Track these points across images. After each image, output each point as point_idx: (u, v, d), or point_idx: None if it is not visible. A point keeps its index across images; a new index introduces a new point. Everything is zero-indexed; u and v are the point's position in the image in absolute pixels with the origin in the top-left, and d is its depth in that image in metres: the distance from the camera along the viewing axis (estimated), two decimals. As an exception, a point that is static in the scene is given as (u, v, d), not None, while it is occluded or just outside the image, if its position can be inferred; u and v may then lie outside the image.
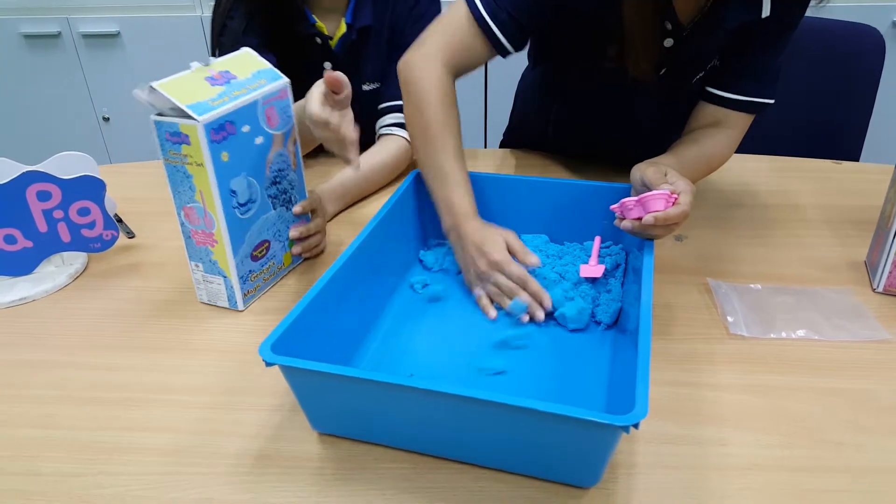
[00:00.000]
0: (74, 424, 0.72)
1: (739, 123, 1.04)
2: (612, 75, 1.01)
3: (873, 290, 0.90)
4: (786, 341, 0.81)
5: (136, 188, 1.18)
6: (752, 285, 0.91)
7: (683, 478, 0.63)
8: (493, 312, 0.85)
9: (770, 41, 0.99)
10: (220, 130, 0.78)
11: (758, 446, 0.67)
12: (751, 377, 0.76)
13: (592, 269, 0.86)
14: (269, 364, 0.60)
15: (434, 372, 0.76)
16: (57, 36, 2.31)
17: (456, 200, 0.89)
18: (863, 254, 0.98)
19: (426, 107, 0.93)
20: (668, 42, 0.99)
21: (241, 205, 0.84)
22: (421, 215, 0.98)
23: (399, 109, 1.22)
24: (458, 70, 0.97)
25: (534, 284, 0.84)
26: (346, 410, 0.65)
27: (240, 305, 0.88)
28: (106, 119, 2.45)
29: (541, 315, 0.83)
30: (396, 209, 0.91)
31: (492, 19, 0.93)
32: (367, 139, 1.23)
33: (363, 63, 1.23)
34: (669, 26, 0.97)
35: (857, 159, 1.49)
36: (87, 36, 2.31)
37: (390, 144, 1.20)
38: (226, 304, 0.89)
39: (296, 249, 0.97)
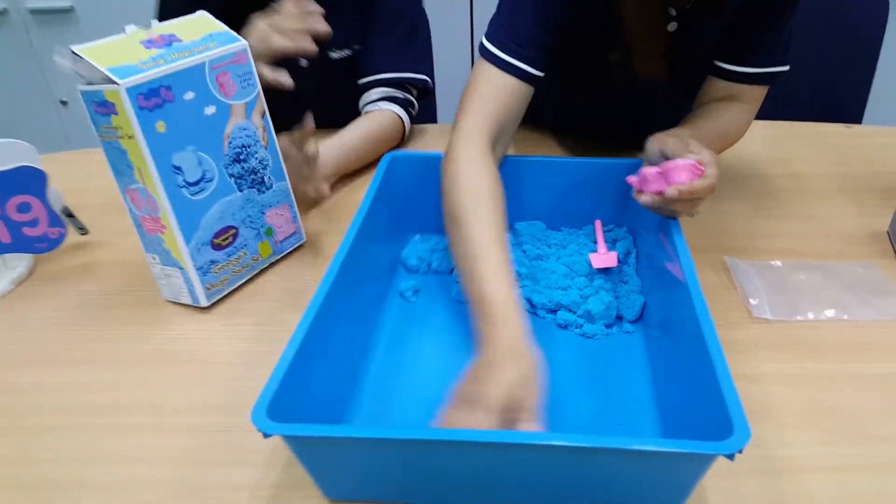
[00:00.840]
0: (16, 458, 0.62)
1: (755, 96, 0.94)
2: (619, 74, 0.92)
3: (901, 262, 0.83)
4: (813, 323, 0.74)
5: (92, 177, 1.06)
6: (772, 262, 0.83)
7: (720, 486, 0.56)
8: None
9: (780, 8, 0.90)
10: (152, 96, 0.68)
11: (797, 445, 0.60)
12: (781, 366, 0.69)
13: (604, 257, 0.78)
14: (267, 435, 0.49)
15: None
16: (3, 13, 2.17)
17: (488, 290, 0.64)
18: (884, 224, 0.90)
19: (463, 192, 0.73)
20: (672, 26, 0.89)
21: (191, 184, 0.74)
22: (398, 207, 0.87)
23: (386, 83, 1.12)
24: (505, 127, 0.83)
25: None
26: (368, 473, 0.55)
27: (202, 301, 0.79)
28: (64, 103, 2.32)
29: None
30: (374, 208, 0.78)
31: (520, 60, 0.82)
32: (341, 117, 1.11)
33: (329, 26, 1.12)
34: (673, 11, 0.87)
35: (860, 121, 1.42)
36: (35, 12, 2.16)
37: (379, 117, 1.10)
38: (188, 301, 0.79)
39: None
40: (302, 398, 0.55)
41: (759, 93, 0.94)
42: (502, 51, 0.82)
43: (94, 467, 0.61)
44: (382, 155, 1.01)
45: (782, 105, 1.33)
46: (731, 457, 0.46)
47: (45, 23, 2.19)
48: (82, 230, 0.96)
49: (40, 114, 2.34)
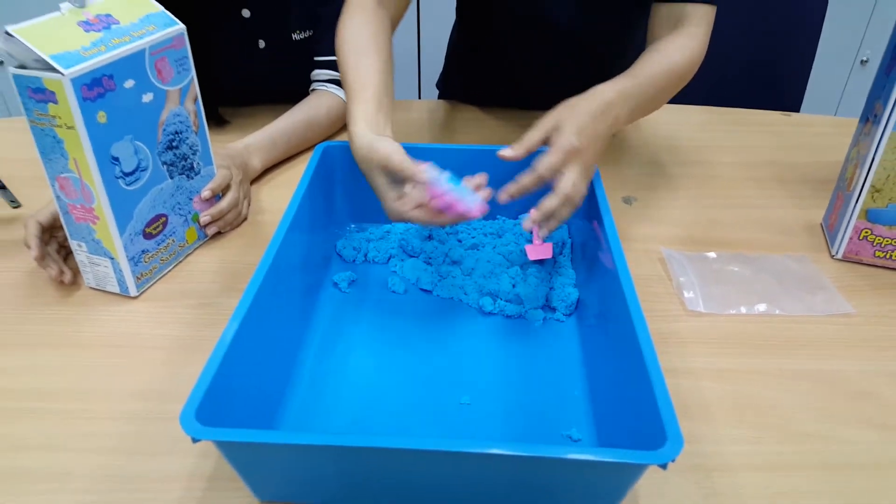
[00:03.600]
0: (-67, 445, 0.60)
1: (702, 18, 0.91)
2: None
3: (832, 256, 0.85)
4: (745, 317, 0.76)
5: (27, 147, 1.01)
6: (706, 254, 0.84)
7: (650, 482, 0.57)
8: None
9: None
10: (95, 86, 0.66)
11: (728, 442, 0.61)
12: (713, 360, 0.70)
13: (540, 249, 0.77)
14: (196, 440, 0.48)
15: (389, 407, 0.64)
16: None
17: (350, 110, 0.76)
18: (819, 215, 0.92)
19: (343, 44, 0.85)
20: None
21: (127, 174, 0.72)
22: (332, 197, 0.86)
23: (335, 66, 1.10)
24: None
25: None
26: (299, 476, 0.54)
27: (132, 290, 0.77)
28: None
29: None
30: (308, 197, 0.76)
31: None
32: (302, 94, 1.11)
33: (290, 9, 1.09)
34: None
35: (798, 108, 1.44)
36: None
37: (323, 99, 1.08)
38: (116, 290, 0.77)
39: (210, 230, 0.86)
40: (233, 396, 0.54)
41: (705, 13, 0.91)
42: None
43: (18, 454, 0.59)
44: (323, 139, 1.00)
45: (721, 90, 1.35)
46: (664, 466, 0.46)
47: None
48: (14, 203, 0.92)
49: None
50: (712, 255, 0.84)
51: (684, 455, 0.58)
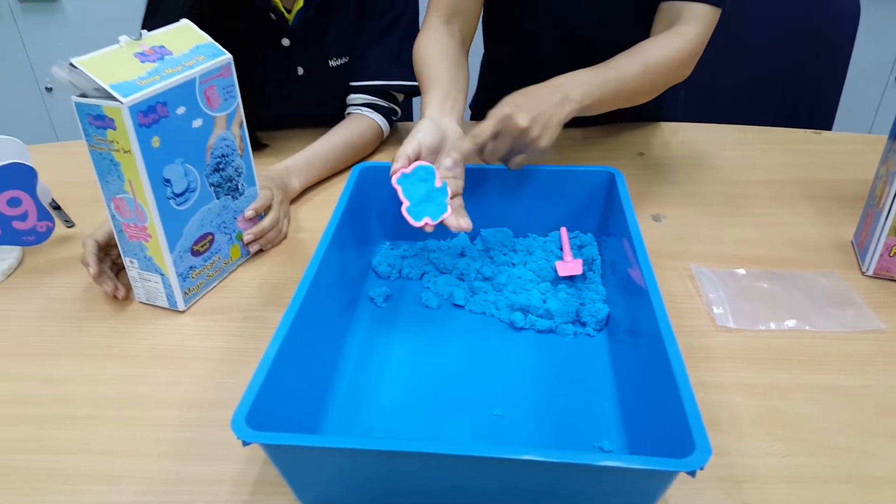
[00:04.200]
0: (3, 447, 0.65)
1: (698, 18, 0.93)
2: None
3: (862, 272, 0.86)
4: (775, 333, 0.77)
5: (78, 170, 1.06)
6: (736, 270, 0.86)
7: (680, 493, 0.58)
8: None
9: None
10: (150, 113, 0.70)
11: (757, 454, 0.62)
12: (743, 375, 0.71)
13: (570, 265, 0.80)
14: (246, 443, 0.51)
15: (424, 418, 0.67)
16: (-9, 1, 2.16)
17: (424, 103, 0.88)
18: (849, 233, 0.93)
19: (417, 58, 0.97)
20: None
21: (178, 195, 0.76)
22: (369, 216, 0.89)
23: (370, 91, 1.15)
24: (457, 16, 1.01)
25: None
26: (342, 480, 0.57)
27: (180, 305, 0.81)
28: (49, 89, 2.31)
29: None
30: (345, 217, 0.80)
31: None
32: (338, 117, 1.15)
33: (328, 37, 1.14)
34: None
35: (830, 127, 1.45)
36: (24, 0, 2.15)
37: (359, 122, 1.13)
38: (165, 304, 0.81)
39: (253, 247, 0.90)
40: (278, 404, 0.57)
41: (704, 13, 0.93)
42: None
43: (77, 458, 0.63)
44: (359, 160, 1.04)
45: (753, 110, 1.36)
46: (692, 473, 0.48)
47: (32, 10, 2.18)
48: (68, 223, 0.98)
49: (26, 100, 2.34)
50: (742, 271, 0.86)
51: (714, 466, 0.60)
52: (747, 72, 1.45)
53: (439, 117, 0.84)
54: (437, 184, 0.77)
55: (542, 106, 0.81)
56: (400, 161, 0.77)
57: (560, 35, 1.10)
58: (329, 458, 0.54)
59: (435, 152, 0.81)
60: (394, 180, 0.76)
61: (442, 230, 0.78)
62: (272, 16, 1.09)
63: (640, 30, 0.99)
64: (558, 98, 0.83)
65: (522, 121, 0.79)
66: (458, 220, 0.77)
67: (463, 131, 0.84)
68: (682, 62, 0.93)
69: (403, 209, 0.75)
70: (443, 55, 0.94)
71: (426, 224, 0.75)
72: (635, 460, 0.49)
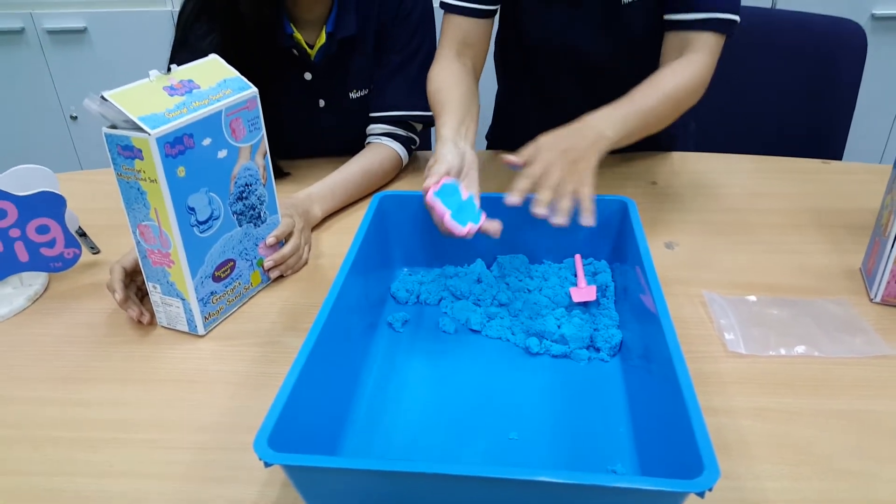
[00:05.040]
0: (28, 469, 0.66)
1: (706, 45, 0.98)
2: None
3: (870, 300, 0.87)
4: (785, 359, 0.78)
5: (103, 198, 1.11)
6: (747, 297, 0.87)
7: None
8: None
9: None
10: (177, 144, 0.73)
11: (765, 478, 0.63)
12: (753, 399, 0.72)
13: (584, 291, 0.82)
14: (268, 464, 0.53)
15: (441, 442, 0.68)
16: (20, 32, 2.22)
17: (439, 128, 0.91)
18: (858, 260, 0.94)
19: (431, 90, 1.01)
20: None
21: (201, 223, 0.79)
22: (388, 242, 0.91)
23: (389, 121, 1.18)
24: (468, 43, 1.07)
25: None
26: (359, 501, 0.58)
27: (200, 330, 0.83)
28: (74, 118, 2.37)
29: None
30: (365, 244, 0.82)
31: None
32: (358, 147, 1.18)
33: (349, 71, 1.18)
34: None
35: (840, 156, 1.46)
36: (52, 32, 2.22)
37: (378, 151, 1.16)
38: (185, 329, 0.84)
39: (273, 274, 0.92)
40: (299, 426, 0.59)
41: (709, 41, 0.98)
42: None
43: (101, 479, 0.65)
44: (378, 188, 1.07)
45: (764, 140, 1.38)
46: (701, 494, 0.49)
47: (60, 42, 2.24)
48: (94, 249, 1.00)
49: (52, 127, 2.39)
50: (753, 298, 0.87)
51: (725, 490, 0.61)
52: (758, 103, 1.47)
53: (456, 141, 0.88)
54: (464, 196, 0.80)
55: (574, 143, 0.84)
56: (432, 178, 0.80)
57: (574, 67, 1.14)
58: (348, 479, 0.55)
59: (459, 173, 0.85)
60: (431, 195, 0.78)
61: (460, 257, 0.79)
62: (295, 52, 1.13)
63: (652, 60, 1.02)
64: (592, 137, 0.86)
65: (545, 154, 0.82)
66: (492, 223, 0.80)
67: (476, 157, 0.88)
68: (695, 89, 0.98)
69: (447, 218, 0.78)
70: (456, 84, 0.99)
71: (469, 230, 0.78)
72: (646, 482, 0.50)
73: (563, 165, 0.81)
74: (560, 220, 0.78)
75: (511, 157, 0.84)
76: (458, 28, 1.06)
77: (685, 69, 0.97)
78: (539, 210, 0.78)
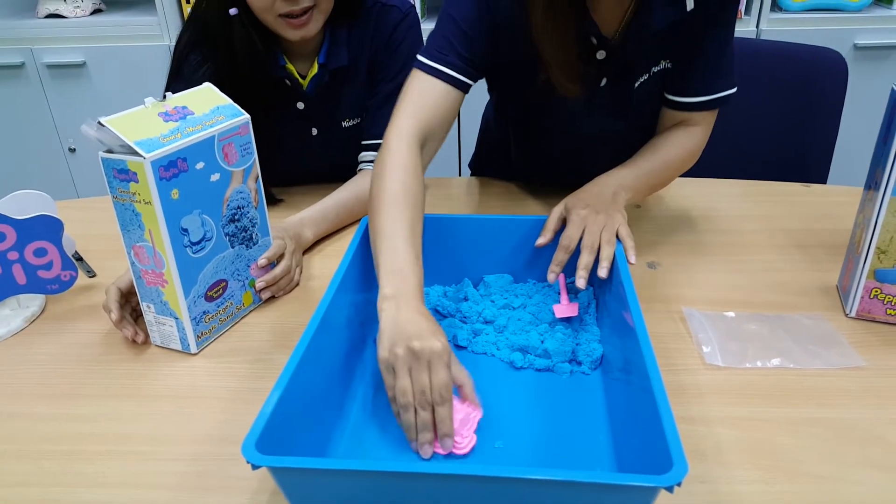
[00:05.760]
0: (24, 480, 0.68)
1: (704, 121, 1.05)
2: (553, 97, 1.00)
3: (846, 314, 0.90)
4: (761, 370, 0.80)
5: (99, 224, 1.14)
6: (725, 313, 0.90)
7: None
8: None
9: (712, 33, 0.98)
10: (171, 167, 0.76)
11: (738, 482, 0.65)
12: (729, 409, 0.74)
13: (566, 308, 0.84)
14: (255, 466, 0.55)
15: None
16: (21, 66, 2.27)
17: (405, 269, 0.77)
18: (835, 278, 0.97)
19: (386, 178, 0.87)
20: (601, 54, 0.99)
21: (194, 243, 0.82)
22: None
23: (378, 148, 1.21)
24: (433, 129, 0.94)
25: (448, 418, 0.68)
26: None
27: (192, 348, 0.85)
28: (72, 150, 2.41)
29: (427, 452, 0.68)
30: (353, 265, 0.84)
31: (443, 65, 0.95)
32: (350, 174, 1.21)
33: (341, 101, 1.21)
34: (595, 40, 0.97)
35: (824, 181, 1.50)
36: (51, 66, 2.27)
37: (369, 178, 1.17)
38: (178, 347, 0.86)
39: (265, 294, 0.95)
40: (287, 433, 0.61)
41: (708, 117, 1.05)
42: (428, 58, 0.96)
43: (93, 491, 0.67)
44: (366, 213, 1.10)
45: (750, 166, 1.42)
46: (670, 489, 0.52)
47: (59, 76, 2.29)
48: (90, 273, 1.03)
49: (50, 159, 2.43)
50: (731, 314, 0.90)
51: (700, 493, 0.63)
52: (744, 132, 1.51)
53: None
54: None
55: (598, 200, 0.91)
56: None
57: (578, 138, 1.15)
58: (336, 481, 0.57)
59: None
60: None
61: (447, 277, 0.85)
62: (287, 82, 1.16)
63: (651, 127, 1.09)
64: (611, 191, 0.93)
65: (582, 211, 0.89)
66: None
67: None
68: (693, 158, 1.06)
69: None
70: (412, 195, 0.85)
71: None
72: (620, 477, 0.53)
73: (597, 219, 0.88)
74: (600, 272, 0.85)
75: (543, 239, 0.89)
76: (436, 101, 0.94)
77: (686, 141, 1.04)
78: (582, 283, 0.84)
